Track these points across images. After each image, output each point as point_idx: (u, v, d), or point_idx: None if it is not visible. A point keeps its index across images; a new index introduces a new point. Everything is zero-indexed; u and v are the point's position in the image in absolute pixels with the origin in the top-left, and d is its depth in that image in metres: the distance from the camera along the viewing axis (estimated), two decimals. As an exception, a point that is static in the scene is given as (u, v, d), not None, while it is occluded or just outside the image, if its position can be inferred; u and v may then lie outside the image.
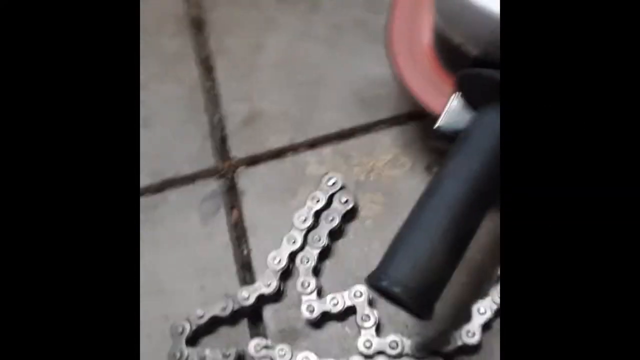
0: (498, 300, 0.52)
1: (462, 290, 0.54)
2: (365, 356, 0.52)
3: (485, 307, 0.52)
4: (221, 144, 0.63)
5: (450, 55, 0.51)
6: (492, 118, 0.44)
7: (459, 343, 0.51)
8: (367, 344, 0.52)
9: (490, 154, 0.42)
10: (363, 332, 0.53)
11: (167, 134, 0.64)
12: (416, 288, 0.41)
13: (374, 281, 0.43)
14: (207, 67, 0.66)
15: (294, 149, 0.62)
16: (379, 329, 0.53)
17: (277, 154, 0.62)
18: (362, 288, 0.53)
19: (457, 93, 0.48)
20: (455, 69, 0.49)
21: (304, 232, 0.56)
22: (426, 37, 0.55)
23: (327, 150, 0.61)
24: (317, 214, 0.56)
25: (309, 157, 0.61)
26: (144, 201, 0.61)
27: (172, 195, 0.61)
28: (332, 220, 0.56)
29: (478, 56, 0.47)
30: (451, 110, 0.49)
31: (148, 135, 0.64)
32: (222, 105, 0.64)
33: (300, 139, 0.62)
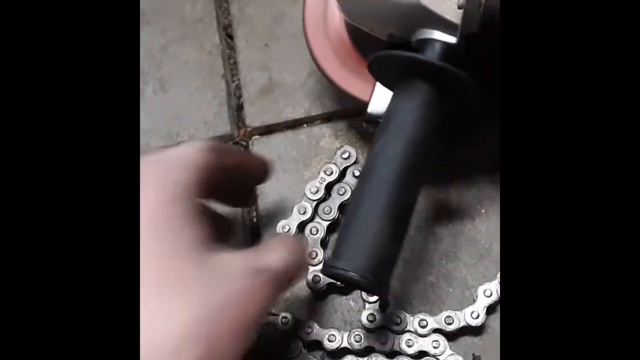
0: (505, 283, 0.52)
1: (469, 271, 0.54)
2: (368, 330, 0.52)
3: (492, 290, 0.52)
4: (237, 112, 0.63)
5: (365, 41, 0.52)
6: (405, 96, 0.45)
7: (463, 324, 0.52)
8: (371, 318, 0.52)
9: (408, 131, 0.44)
10: (367, 306, 0.53)
11: (183, 97, 0.64)
12: (369, 269, 0.43)
13: (329, 271, 0.44)
14: (227, 35, 0.66)
15: (309, 121, 0.62)
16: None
17: (293, 125, 0.62)
18: (369, 262, 0.53)
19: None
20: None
21: (314, 203, 0.55)
22: (340, 25, 0.56)
23: (342, 125, 0.61)
24: (329, 186, 0.56)
25: (324, 130, 0.61)
26: (156, 163, 0.61)
27: (185, 159, 0.61)
28: (343, 193, 0.56)
29: (388, 40, 0.49)
30: (377, 96, 0.50)
31: (164, 97, 0.64)
32: (241, 73, 0.64)
33: (316, 111, 0.61)
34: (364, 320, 0.52)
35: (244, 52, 0.65)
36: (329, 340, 0.52)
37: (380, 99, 0.50)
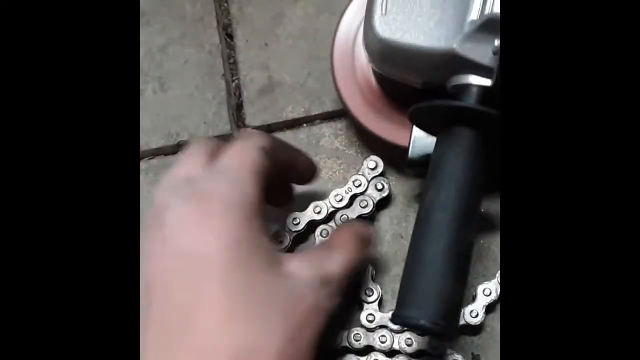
0: (504, 282, 0.52)
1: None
2: (367, 329, 0.52)
3: (491, 289, 0.52)
4: (237, 111, 0.63)
5: (393, 85, 0.53)
6: (450, 143, 0.46)
7: (462, 322, 0.52)
8: (370, 318, 0.52)
9: (459, 178, 0.45)
10: (366, 306, 0.53)
11: (183, 97, 0.64)
12: (440, 315, 0.43)
13: (400, 320, 0.44)
14: (227, 34, 0.66)
15: (309, 120, 0.62)
16: (381, 304, 0.54)
17: (292, 124, 0.62)
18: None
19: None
20: (404, 99, 0.52)
21: (333, 209, 0.55)
22: (367, 70, 0.56)
23: (342, 124, 0.61)
24: (353, 197, 0.56)
25: (324, 130, 0.61)
26: (156, 162, 0.62)
27: (185, 158, 0.61)
28: (365, 205, 0.56)
29: (423, 86, 0.50)
30: (416, 141, 0.51)
31: (164, 97, 0.64)
32: (240, 72, 0.64)
33: (316, 110, 0.62)
34: (363, 320, 0.52)
35: (244, 51, 0.65)
36: (329, 340, 0.52)
37: (418, 144, 0.51)
